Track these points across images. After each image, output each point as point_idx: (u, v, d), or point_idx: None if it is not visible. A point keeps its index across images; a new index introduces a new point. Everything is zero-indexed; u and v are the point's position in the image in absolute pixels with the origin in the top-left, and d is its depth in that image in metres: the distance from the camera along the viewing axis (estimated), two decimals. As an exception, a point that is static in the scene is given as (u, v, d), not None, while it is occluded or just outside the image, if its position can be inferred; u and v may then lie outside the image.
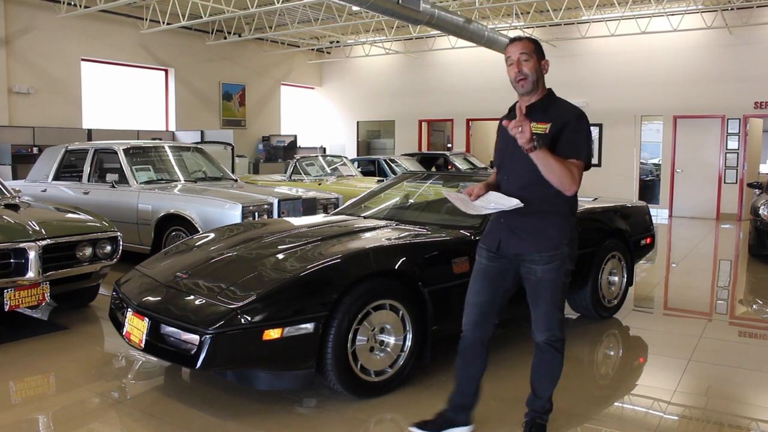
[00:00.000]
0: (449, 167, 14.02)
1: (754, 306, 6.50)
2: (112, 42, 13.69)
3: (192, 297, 3.50)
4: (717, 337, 5.07)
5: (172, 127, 15.18)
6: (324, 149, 17.31)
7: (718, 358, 4.56)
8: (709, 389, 3.97)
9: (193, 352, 3.20)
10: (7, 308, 4.56)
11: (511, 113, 2.88)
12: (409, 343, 3.69)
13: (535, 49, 2.88)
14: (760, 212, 8.23)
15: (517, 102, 2.96)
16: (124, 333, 3.70)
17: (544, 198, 2.84)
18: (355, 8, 12.14)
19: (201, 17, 12.74)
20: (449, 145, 17.99)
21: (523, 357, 4.13)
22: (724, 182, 13.82)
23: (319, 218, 5.23)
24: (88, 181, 7.80)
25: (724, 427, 3.40)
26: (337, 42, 17.71)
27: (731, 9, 12.84)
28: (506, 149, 2.95)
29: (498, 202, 2.89)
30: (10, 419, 3.43)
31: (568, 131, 2.81)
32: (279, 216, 6.74)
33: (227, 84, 16.47)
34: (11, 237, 4.63)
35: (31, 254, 4.62)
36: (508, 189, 2.91)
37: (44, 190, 7.99)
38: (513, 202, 2.82)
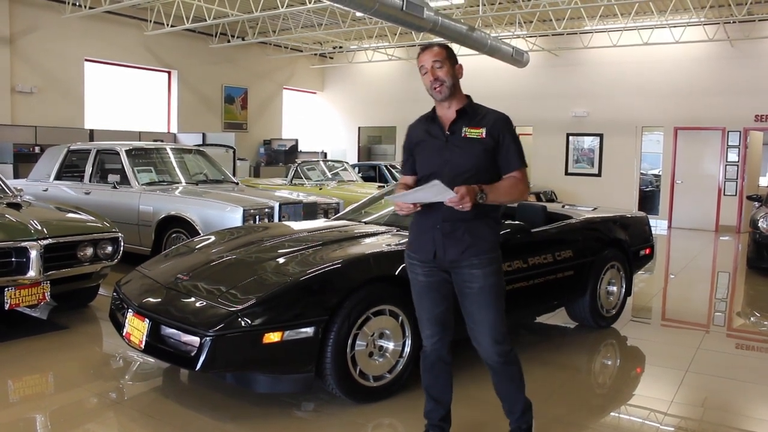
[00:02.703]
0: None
1: (752, 318, 6.51)
2: (115, 43, 13.72)
3: (193, 299, 3.52)
4: (714, 349, 5.08)
5: (174, 129, 15.20)
6: (325, 154, 17.32)
7: (715, 369, 4.57)
8: (706, 401, 3.98)
9: (193, 353, 3.21)
10: (7, 307, 4.58)
11: (420, 123, 2.97)
12: (408, 348, 3.70)
13: (447, 55, 2.87)
14: (759, 225, 8.25)
15: (427, 116, 2.97)
16: (124, 334, 3.71)
17: (478, 203, 2.73)
18: (358, 14, 12.18)
19: (205, 20, 12.78)
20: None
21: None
22: (724, 194, 13.85)
23: (320, 223, 5.25)
24: (90, 181, 7.82)
25: (720, 439, 3.42)
26: (340, 47, 17.76)
27: (733, 22, 12.88)
28: (438, 155, 2.87)
29: (433, 193, 2.67)
30: (8, 418, 3.44)
31: (505, 143, 2.83)
32: (280, 220, 6.76)
33: (230, 87, 16.50)
34: (13, 236, 4.65)
35: (33, 253, 4.64)
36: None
37: (46, 190, 8.01)
38: (447, 195, 2.64)
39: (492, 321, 2.83)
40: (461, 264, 2.82)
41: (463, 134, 2.84)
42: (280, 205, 6.87)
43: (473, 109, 2.91)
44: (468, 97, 2.96)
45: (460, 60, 2.95)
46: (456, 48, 14.76)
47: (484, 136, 2.82)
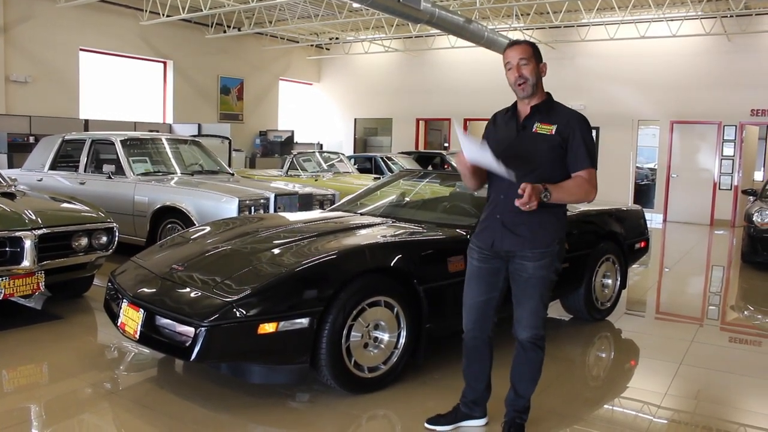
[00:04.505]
0: (445, 166, 14.03)
1: (746, 312, 6.54)
2: (111, 33, 13.64)
3: (187, 289, 3.51)
4: (708, 342, 5.11)
5: (169, 120, 15.14)
6: (321, 145, 17.30)
7: (709, 362, 4.59)
8: (699, 393, 4.00)
9: (187, 344, 3.21)
10: (1, 296, 4.56)
11: (501, 114, 3.07)
12: (403, 340, 3.71)
13: (533, 53, 2.94)
14: (754, 219, 8.28)
15: (508, 108, 3.07)
16: (118, 324, 3.71)
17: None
18: (355, 5, 12.14)
19: (201, 10, 12.71)
20: (446, 144, 18.01)
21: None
22: (719, 188, 13.88)
23: (316, 214, 5.24)
24: (85, 171, 7.79)
25: None
26: (337, 39, 17.70)
27: (731, 16, 12.88)
28: (508, 147, 2.92)
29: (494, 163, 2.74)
30: (2, 408, 3.43)
31: (575, 141, 2.88)
32: (275, 211, 6.75)
33: (225, 78, 16.44)
34: (7, 225, 4.63)
35: (27, 243, 4.62)
36: (507, 186, 2.87)
37: (40, 180, 7.97)
38: (506, 173, 2.72)
39: (533, 308, 2.96)
40: (516, 254, 2.94)
41: (534, 129, 2.92)
42: (275, 196, 6.85)
43: (549, 106, 2.98)
44: (548, 94, 3.02)
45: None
46: (452, 40, 14.74)
47: (553, 132, 2.89)
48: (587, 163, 2.88)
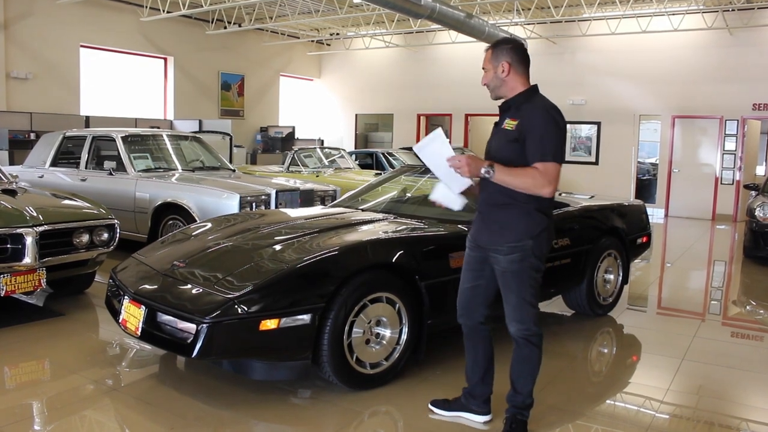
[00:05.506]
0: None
1: (748, 307, 6.53)
2: (111, 29, 13.62)
3: (189, 286, 3.50)
4: (710, 337, 5.10)
5: (170, 116, 15.14)
6: (322, 141, 17.27)
7: (711, 358, 4.58)
8: (701, 388, 4.00)
9: (189, 340, 3.21)
10: (2, 293, 4.56)
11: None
12: (404, 336, 3.71)
13: (491, 57, 3.04)
14: (756, 214, 8.26)
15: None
16: (120, 320, 3.70)
17: (508, 192, 2.91)
18: (356, 0, 12.11)
19: (201, 6, 12.69)
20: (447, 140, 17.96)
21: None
22: (721, 183, 13.85)
23: (317, 210, 5.23)
24: (86, 168, 7.79)
25: (714, 427, 3.43)
26: (337, 34, 17.66)
27: (732, 10, 12.84)
28: (488, 145, 3.11)
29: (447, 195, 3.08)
30: (5, 404, 3.44)
31: (531, 135, 2.88)
32: (276, 207, 6.74)
33: (226, 74, 16.42)
34: (8, 222, 4.62)
35: (28, 240, 4.62)
36: (485, 183, 3.00)
37: (41, 176, 7.97)
38: (457, 202, 3.06)
39: (514, 303, 3.01)
40: (489, 248, 3.03)
41: (503, 126, 3.00)
42: (276, 192, 6.85)
43: (519, 101, 3.00)
44: (528, 89, 3.02)
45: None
46: (453, 35, 14.71)
47: (514, 128, 2.93)
48: (538, 156, 2.85)
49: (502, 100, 3.06)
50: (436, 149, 2.97)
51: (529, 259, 2.95)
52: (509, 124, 2.95)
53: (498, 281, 3.06)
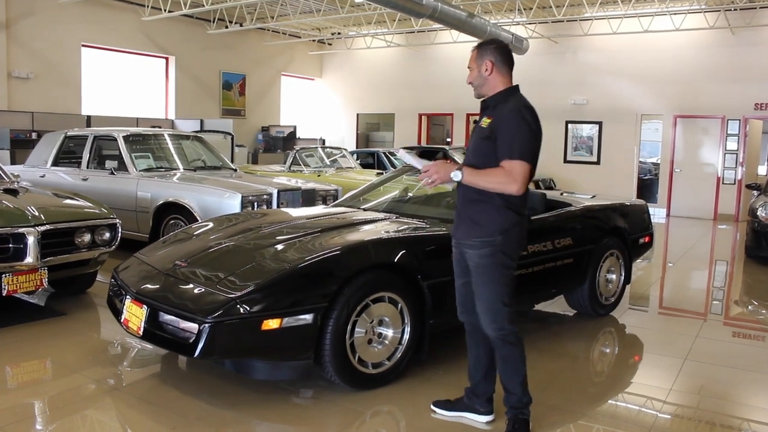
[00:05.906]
0: (448, 161, 14.01)
1: (750, 307, 6.52)
2: (112, 28, 13.62)
3: (191, 285, 3.50)
4: (712, 338, 5.09)
5: (171, 116, 15.13)
6: (323, 141, 17.27)
7: (713, 358, 4.58)
8: (703, 389, 3.99)
9: (191, 340, 3.20)
10: (4, 293, 4.56)
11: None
12: (407, 336, 3.70)
13: (476, 57, 3.09)
14: (758, 214, 8.25)
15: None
16: (122, 320, 3.70)
17: (478, 188, 2.97)
18: (357, 0, 12.10)
19: (203, 5, 12.68)
20: (448, 139, 17.97)
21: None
22: (723, 183, 13.84)
23: (319, 210, 5.23)
24: (87, 167, 7.79)
25: (716, 427, 3.42)
26: (339, 34, 17.66)
27: (734, 9, 12.82)
28: (470, 141, 3.20)
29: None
30: (6, 404, 3.44)
31: (500, 132, 2.93)
32: (278, 206, 6.74)
33: (227, 73, 16.42)
34: (10, 222, 4.62)
35: (30, 239, 4.62)
36: None
37: (43, 176, 7.97)
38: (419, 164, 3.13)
39: (486, 299, 3.04)
40: (461, 243, 3.10)
41: (480, 124, 3.05)
42: (278, 192, 6.85)
43: (497, 100, 3.04)
44: (508, 88, 3.07)
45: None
46: (455, 35, 14.70)
47: (487, 126, 2.99)
48: (506, 154, 2.89)
49: (483, 99, 3.11)
50: (415, 163, 3.15)
51: (498, 255, 2.98)
52: (485, 122, 3.02)
53: (472, 278, 3.09)
